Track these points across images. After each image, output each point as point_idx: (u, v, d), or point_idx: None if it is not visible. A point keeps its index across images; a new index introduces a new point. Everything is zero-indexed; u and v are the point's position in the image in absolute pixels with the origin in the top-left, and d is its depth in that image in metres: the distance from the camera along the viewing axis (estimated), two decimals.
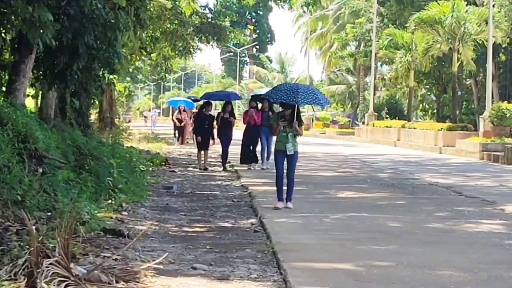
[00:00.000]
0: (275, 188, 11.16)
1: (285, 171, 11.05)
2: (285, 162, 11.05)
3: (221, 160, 19.10)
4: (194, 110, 31.12)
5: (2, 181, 8.12)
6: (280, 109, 11.47)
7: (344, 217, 10.29)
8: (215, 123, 18.92)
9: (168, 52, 32.03)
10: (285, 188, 11.08)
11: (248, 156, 18.67)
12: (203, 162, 18.87)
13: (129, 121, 65.93)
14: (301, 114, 12.14)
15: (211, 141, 18.83)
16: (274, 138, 11.70)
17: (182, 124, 32.28)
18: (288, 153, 10.87)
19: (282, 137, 10.94)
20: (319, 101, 11.20)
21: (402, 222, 9.97)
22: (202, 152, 18.94)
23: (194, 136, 20.34)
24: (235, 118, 19.23)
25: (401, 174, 17.94)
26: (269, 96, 11.73)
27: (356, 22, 52.02)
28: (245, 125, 18.92)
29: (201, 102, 20.04)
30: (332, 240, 8.42)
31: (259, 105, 18.66)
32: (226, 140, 18.62)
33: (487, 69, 31.23)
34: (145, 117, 78.38)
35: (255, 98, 19.28)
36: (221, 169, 18.58)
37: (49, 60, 12.28)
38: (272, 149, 12.83)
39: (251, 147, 18.66)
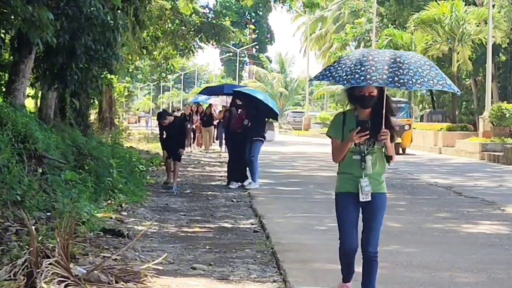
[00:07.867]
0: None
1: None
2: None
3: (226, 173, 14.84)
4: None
5: (2, 181, 8.12)
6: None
7: None
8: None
9: (170, 52, 32.06)
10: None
11: (231, 172, 14.28)
12: (172, 175, 13.92)
13: (136, 122, 68.82)
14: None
15: (186, 149, 15.39)
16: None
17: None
18: (361, 199, 5.30)
19: (353, 163, 5.35)
20: (444, 81, 5.20)
21: (402, 222, 9.96)
22: (172, 162, 13.99)
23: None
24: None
25: (400, 174, 17.92)
26: (328, 75, 5.23)
27: (355, 22, 52.04)
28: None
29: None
30: (331, 240, 8.33)
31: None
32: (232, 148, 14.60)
33: (486, 69, 31.22)
34: (139, 117, 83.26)
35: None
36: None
37: (48, 60, 12.29)
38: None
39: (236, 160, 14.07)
